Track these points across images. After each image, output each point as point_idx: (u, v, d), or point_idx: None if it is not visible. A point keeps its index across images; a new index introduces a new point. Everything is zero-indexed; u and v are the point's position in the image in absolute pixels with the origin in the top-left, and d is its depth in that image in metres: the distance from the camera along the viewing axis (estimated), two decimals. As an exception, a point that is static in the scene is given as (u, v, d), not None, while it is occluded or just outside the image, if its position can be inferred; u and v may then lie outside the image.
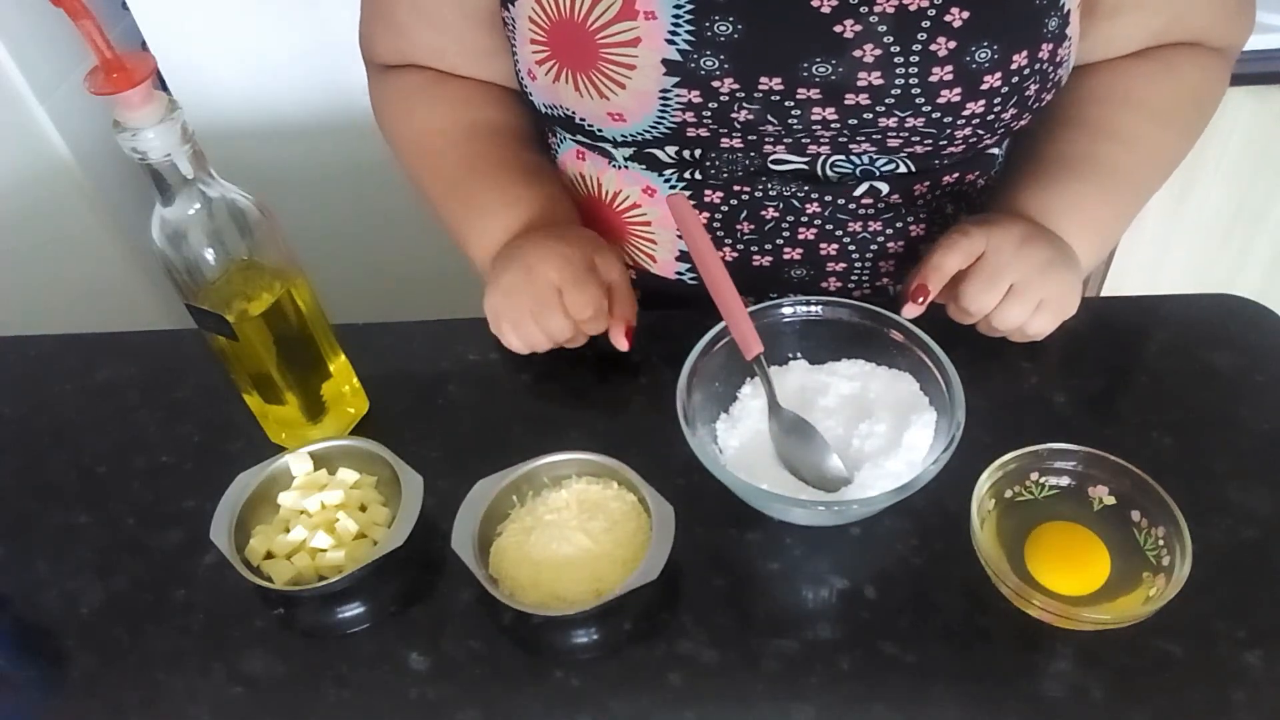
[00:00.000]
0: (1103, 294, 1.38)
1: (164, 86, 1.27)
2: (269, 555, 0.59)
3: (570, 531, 0.57)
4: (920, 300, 0.64)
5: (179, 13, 1.21)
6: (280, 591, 0.57)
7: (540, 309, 0.65)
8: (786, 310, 0.65)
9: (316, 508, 0.61)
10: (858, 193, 0.71)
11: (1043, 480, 0.58)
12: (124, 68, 0.50)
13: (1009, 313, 0.64)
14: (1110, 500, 0.57)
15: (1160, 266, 1.36)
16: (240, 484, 0.61)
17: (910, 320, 0.63)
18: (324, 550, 0.58)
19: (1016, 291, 0.63)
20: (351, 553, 0.58)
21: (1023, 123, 0.67)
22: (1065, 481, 0.58)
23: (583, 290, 0.64)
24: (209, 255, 0.57)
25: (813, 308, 0.65)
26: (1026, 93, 0.64)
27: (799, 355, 0.66)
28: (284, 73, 1.27)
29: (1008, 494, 0.58)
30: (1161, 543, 0.54)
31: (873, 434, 0.61)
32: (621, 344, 0.67)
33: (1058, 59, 0.64)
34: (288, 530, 0.60)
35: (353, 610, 0.58)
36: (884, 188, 0.71)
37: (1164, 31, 0.70)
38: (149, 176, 0.54)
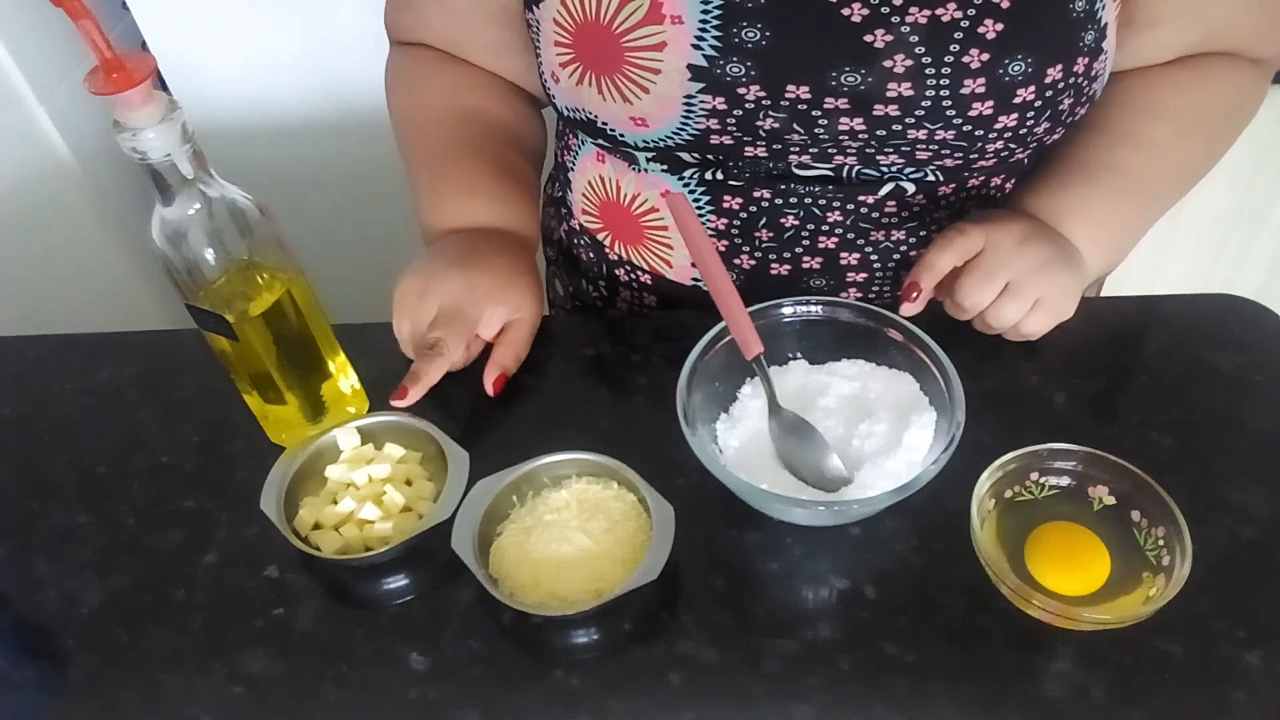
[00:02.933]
0: (1103, 294, 1.38)
1: (164, 86, 1.27)
2: (316, 526, 0.60)
3: (570, 531, 0.57)
4: (914, 297, 0.64)
5: (179, 13, 1.20)
6: (328, 560, 0.58)
7: (417, 325, 0.68)
8: (786, 310, 0.65)
9: (364, 480, 0.62)
10: (881, 194, 0.70)
11: (1043, 480, 0.58)
12: (124, 68, 0.50)
13: (1004, 310, 0.64)
14: (1110, 500, 0.57)
15: (1160, 266, 1.36)
16: (289, 457, 0.61)
17: (910, 319, 0.63)
18: (371, 522, 0.60)
19: (1012, 289, 0.63)
20: (398, 525, 0.60)
21: (1055, 136, 0.66)
22: (1065, 481, 0.58)
23: (449, 328, 0.65)
24: (209, 255, 0.57)
25: (813, 308, 0.65)
26: (1060, 107, 0.63)
27: (799, 355, 0.66)
28: (284, 73, 1.26)
29: (1008, 494, 0.58)
30: (1161, 543, 0.54)
31: (873, 434, 0.61)
32: (488, 387, 0.67)
33: (1093, 73, 0.63)
34: (335, 502, 0.61)
35: (354, 609, 0.58)
36: (910, 188, 0.70)
37: (1202, 42, 0.68)
38: (149, 176, 0.54)
